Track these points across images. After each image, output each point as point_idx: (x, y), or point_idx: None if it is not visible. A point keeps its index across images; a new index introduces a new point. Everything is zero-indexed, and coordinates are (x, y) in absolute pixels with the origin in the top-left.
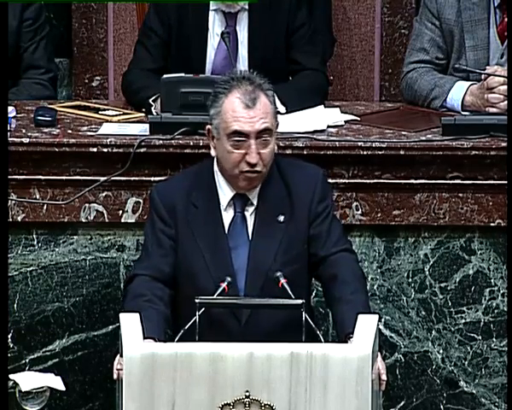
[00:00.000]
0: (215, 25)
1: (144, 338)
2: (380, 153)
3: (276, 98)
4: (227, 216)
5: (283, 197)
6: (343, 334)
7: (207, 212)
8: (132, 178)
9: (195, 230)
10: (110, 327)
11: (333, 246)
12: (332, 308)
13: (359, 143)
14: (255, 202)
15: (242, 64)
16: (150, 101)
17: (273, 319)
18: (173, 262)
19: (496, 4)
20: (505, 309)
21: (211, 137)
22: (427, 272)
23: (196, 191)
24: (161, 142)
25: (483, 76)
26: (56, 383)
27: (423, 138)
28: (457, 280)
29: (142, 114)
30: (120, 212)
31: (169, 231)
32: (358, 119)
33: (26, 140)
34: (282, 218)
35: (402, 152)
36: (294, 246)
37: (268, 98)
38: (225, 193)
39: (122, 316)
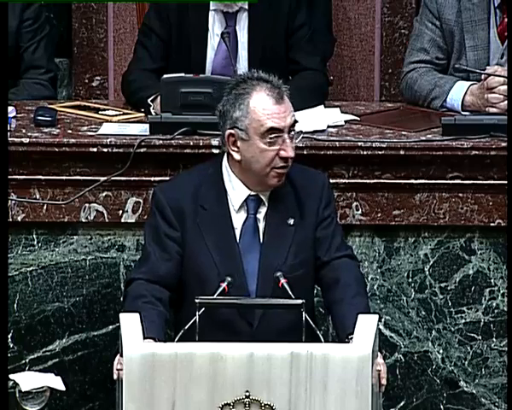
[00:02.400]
0: (215, 25)
1: (144, 338)
2: (380, 153)
3: None
4: (238, 218)
5: (292, 201)
6: (344, 334)
7: (217, 213)
8: (132, 178)
9: (205, 232)
10: (110, 327)
11: (335, 251)
12: (332, 310)
13: (359, 143)
14: (266, 205)
15: (242, 64)
16: (149, 101)
17: (284, 322)
18: (175, 266)
19: (496, 5)
20: (505, 309)
21: (231, 142)
22: (427, 272)
23: (204, 192)
24: (161, 142)
25: (483, 76)
26: (56, 383)
27: (423, 138)
28: (457, 280)
29: (142, 114)
30: (120, 212)
31: (175, 235)
32: (358, 119)
33: (26, 140)
34: (291, 221)
35: (402, 152)
36: (303, 250)
37: (286, 94)
38: (238, 194)
39: (122, 316)
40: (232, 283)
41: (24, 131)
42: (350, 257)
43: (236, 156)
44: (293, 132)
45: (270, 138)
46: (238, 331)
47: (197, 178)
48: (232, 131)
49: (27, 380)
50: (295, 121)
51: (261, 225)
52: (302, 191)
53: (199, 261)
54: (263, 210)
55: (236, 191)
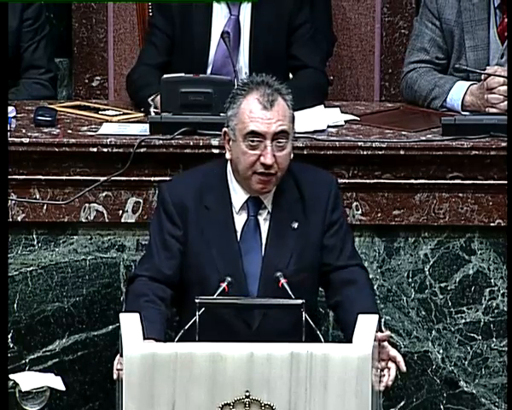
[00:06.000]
0: (218, 15)
1: (145, 338)
2: (380, 153)
3: None
4: (239, 219)
5: (297, 203)
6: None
7: (219, 214)
8: (132, 178)
9: (206, 232)
10: (110, 327)
11: (348, 258)
12: (340, 310)
13: (359, 143)
14: (269, 207)
15: (243, 55)
16: (149, 100)
17: (284, 324)
18: (178, 265)
19: (496, 5)
20: (505, 309)
21: (226, 140)
22: (427, 272)
23: (208, 192)
24: (161, 142)
25: (483, 76)
26: (56, 383)
27: (423, 138)
28: (457, 280)
29: (142, 114)
30: (120, 212)
31: (177, 233)
32: (358, 119)
33: (26, 140)
34: (295, 225)
35: (402, 152)
36: (307, 254)
37: (286, 102)
38: (239, 196)
39: (122, 316)
40: (232, 283)
41: (24, 131)
42: (362, 267)
43: (227, 155)
44: (279, 141)
45: (252, 142)
46: (237, 333)
47: (202, 178)
48: (226, 129)
49: (27, 380)
50: (282, 131)
51: (264, 228)
52: (308, 191)
53: (199, 261)
54: (264, 212)
55: (237, 192)
